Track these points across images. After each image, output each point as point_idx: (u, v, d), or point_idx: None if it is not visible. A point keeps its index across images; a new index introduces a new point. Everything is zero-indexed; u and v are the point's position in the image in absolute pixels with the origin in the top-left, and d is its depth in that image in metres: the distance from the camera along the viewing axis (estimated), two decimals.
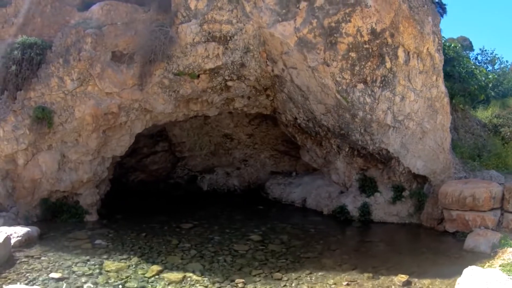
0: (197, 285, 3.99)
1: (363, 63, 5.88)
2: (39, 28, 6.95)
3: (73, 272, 4.27)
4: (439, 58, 6.07)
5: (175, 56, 6.28)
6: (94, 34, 6.20)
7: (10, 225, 5.60)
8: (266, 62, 6.63)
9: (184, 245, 5.29)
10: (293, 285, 4.03)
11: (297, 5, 5.84)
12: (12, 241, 4.89)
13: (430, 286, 3.99)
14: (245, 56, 6.45)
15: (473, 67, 8.11)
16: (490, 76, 8.40)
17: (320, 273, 4.34)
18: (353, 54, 5.83)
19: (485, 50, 11.02)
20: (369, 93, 5.99)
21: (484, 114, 8.13)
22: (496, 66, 10.76)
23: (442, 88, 6.23)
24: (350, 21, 5.69)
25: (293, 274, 4.28)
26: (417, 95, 6.07)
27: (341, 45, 5.80)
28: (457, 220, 5.63)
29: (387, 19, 5.64)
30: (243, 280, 4.07)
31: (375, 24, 5.66)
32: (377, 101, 6.00)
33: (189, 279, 4.12)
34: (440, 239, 5.69)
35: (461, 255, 4.88)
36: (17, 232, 5.21)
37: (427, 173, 6.38)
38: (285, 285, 4.01)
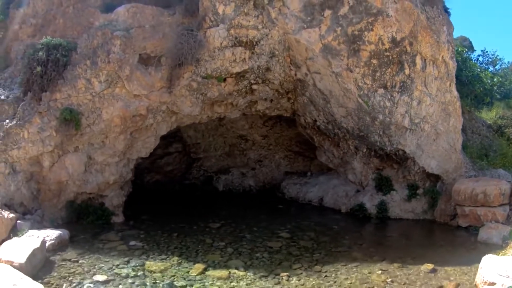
0: (244, 280, 4.37)
1: (384, 70, 6.52)
2: (61, 29, 7.18)
3: (117, 274, 4.41)
4: (452, 65, 6.81)
5: (203, 60, 6.70)
6: (123, 36, 6.52)
7: (36, 228, 5.77)
8: (290, 66, 7.16)
9: (218, 243, 5.71)
10: (332, 275, 4.58)
11: (322, 13, 6.40)
12: (46, 244, 4.98)
13: (454, 272, 4.64)
14: (271, 61, 6.96)
15: (479, 70, 8.94)
16: (495, 79, 9.25)
17: (354, 265, 4.92)
18: (374, 61, 6.46)
19: (487, 52, 11.95)
20: (389, 97, 6.64)
21: (488, 115, 8.98)
22: (497, 67, 11.69)
23: (455, 92, 6.97)
24: (372, 29, 6.30)
25: (330, 267, 4.83)
26: (432, 99, 6.77)
27: (364, 52, 6.41)
28: (469, 215, 6.37)
29: (407, 28, 6.30)
30: (287, 273, 4.55)
31: (396, 33, 6.30)
32: (396, 105, 6.66)
33: (234, 275, 4.49)
34: (454, 233, 6.42)
35: (476, 246, 5.60)
36: (50, 235, 5.38)
37: (440, 172, 7.11)
38: (326, 276, 4.56)
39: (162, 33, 6.78)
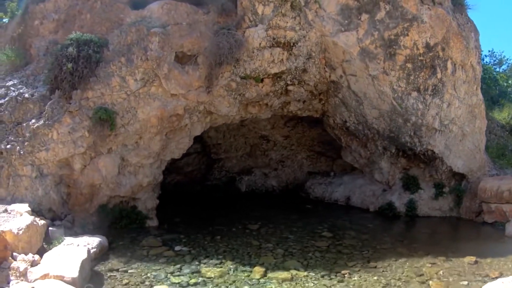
0: (309, 280, 4.64)
1: (417, 73, 7.19)
2: (88, 25, 7.22)
3: (176, 283, 4.40)
4: (479, 70, 7.62)
5: (242, 60, 7.04)
6: (161, 33, 6.69)
7: (69, 235, 5.74)
8: (325, 68, 7.67)
9: (266, 245, 6.02)
10: (388, 270, 5.11)
11: (359, 17, 6.95)
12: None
13: (496, 262, 5.32)
14: (307, 62, 7.43)
15: (494, 73, 9.94)
16: (510, 81, 10.30)
17: (403, 260, 5.48)
18: (409, 65, 7.11)
19: (494, 52, 13.08)
20: (421, 100, 7.32)
21: (500, 115, 10.01)
22: (503, 67, 12.85)
23: (480, 96, 7.80)
24: (407, 35, 6.94)
25: (382, 262, 5.36)
26: (460, 102, 7.55)
27: (399, 57, 7.05)
28: (495, 211, 7.20)
29: (440, 34, 7.00)
30: (347, 271, 4.99)
31: (429, 38, 6.98)
32: (427, 107, 7.36)
33: (296, 275, 4.75)
34: (482, 228, 7.21)
35: (505, 240, 6.38)
36: (90, 242, 5.28)
37: (466, 171, 7.93)
38: (383, 271, 5.08)
39: (198, 31, 7.03)
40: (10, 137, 6.54)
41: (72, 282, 3.85)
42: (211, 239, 6.29)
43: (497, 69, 12.41)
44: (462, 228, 7.54)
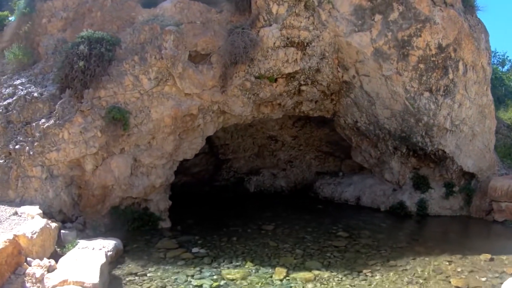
0: (331, 280, 4.73)
1: (430, 74, 7.40)
2: (98, 23, 7.22)
3: (198, 286, 4.44)
4: (489, 71, 7.87)
5: (256, 59, 7.13)
6: (176, 31, 6.71)
7: (81, 237, 5.72)
8: (337, 68, 7.82)
9: (284, 245, 6.10)
10: (408, 269, 5.26)
11: (372, 18, 7.12)
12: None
13: (510, 260, 5.52)
14: (321, 62, 7.57)
15: (500, 73, 10.26)
16: None
17: (421, 258, 5.63)
18: (421, 66, 7.31)
19: (497, 53, 13.48)
20: (434, 100, 7.53)
21: (506, 115, 10.34)
22: (506, 67, 13.25)
23: (490, 96, 8.06)
24: (420, 35, 7.13)
25: (401, 261, 5.48)
26: (471, 102, 7.79)
27: (412, 57, 7.24)
28: (505, 210, 7.46)
29: (452, 35, 7.22)
30: (369, 270, 5.12)
31: (442, 39, 7.19)
32: (439, 107, 7.57)
33: (319, 275, 4.83)
34: (492, 226, 7.44)
35: None
36: (105, 246, 5.21)
37: (476, 170, 8.18)
38: (404, 269, 5.21)
39: (212, 30, 7.11)
40: (19, 137, 6.49)
41: None
42: (227, 240, 6.34)
43: (501, 69, 12.81)
44: (473, 226, 7.77)
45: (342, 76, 7.91)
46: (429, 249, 6.07)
